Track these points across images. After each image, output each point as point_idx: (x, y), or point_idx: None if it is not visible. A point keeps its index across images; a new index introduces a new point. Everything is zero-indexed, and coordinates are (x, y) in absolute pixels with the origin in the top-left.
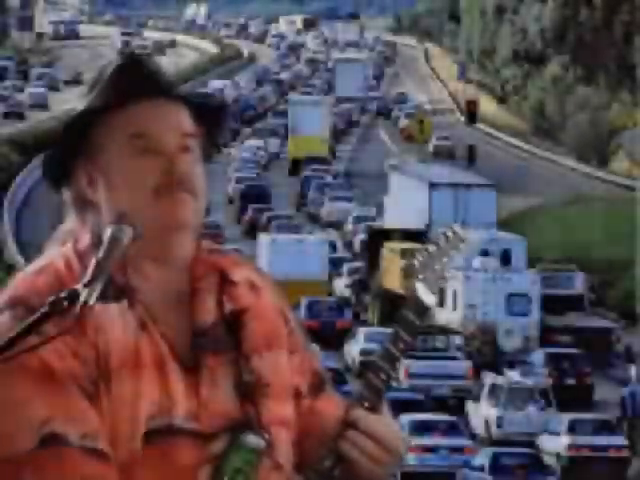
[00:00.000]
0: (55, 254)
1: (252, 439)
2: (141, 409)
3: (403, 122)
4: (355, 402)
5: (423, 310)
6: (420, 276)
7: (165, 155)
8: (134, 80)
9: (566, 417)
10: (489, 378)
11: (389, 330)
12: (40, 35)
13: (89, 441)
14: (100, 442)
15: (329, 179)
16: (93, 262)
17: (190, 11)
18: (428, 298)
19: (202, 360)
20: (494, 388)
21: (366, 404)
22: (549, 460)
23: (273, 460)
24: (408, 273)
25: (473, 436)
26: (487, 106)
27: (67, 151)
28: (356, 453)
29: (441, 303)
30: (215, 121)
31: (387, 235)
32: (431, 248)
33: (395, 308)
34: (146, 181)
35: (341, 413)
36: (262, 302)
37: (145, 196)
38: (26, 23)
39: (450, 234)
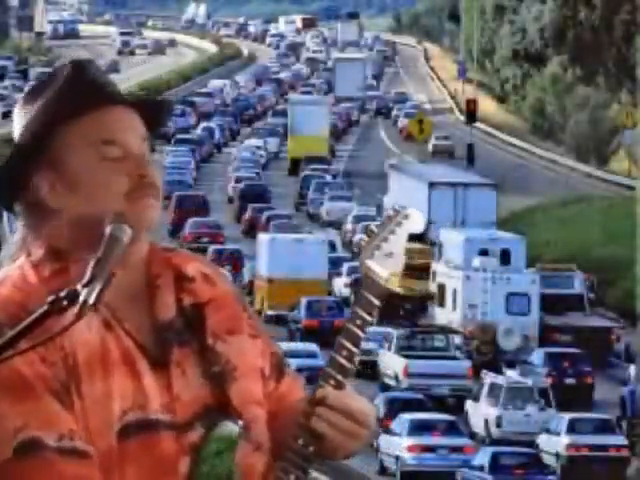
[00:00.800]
0: (10, 267)
1: (227, 426)
2: (114, 405)
3: (402, 121)
4: (321, 382)
5: (379, 288)
6: (369, 254)
7: (134, 160)
8: (87, 88)
9: (566, 417)
10: (489, 378)
11: (389, 329)
12: (40, 35)
13: (66, 441)
14: (77, 441)
15: (328, 179)
16: (93, 261)
17: (190, 11)
18: (380, 272)
19: (169, 354)
20: (494, 387)
21: (332, 382)
22: (549, 460)
23: (252, 441)
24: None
25: (472, 435)
26: (487, 105)
27: (23, 166)
28: (329, 429)
29: (441, 303)
30: (158, 123)
31: None
32: (376, 228)
33: (394, 307)
34: (118, 185)
35: (304, 394)
36: (219, 291)
37: (116, 200)
38: (26, 23)
39: (392, 213)
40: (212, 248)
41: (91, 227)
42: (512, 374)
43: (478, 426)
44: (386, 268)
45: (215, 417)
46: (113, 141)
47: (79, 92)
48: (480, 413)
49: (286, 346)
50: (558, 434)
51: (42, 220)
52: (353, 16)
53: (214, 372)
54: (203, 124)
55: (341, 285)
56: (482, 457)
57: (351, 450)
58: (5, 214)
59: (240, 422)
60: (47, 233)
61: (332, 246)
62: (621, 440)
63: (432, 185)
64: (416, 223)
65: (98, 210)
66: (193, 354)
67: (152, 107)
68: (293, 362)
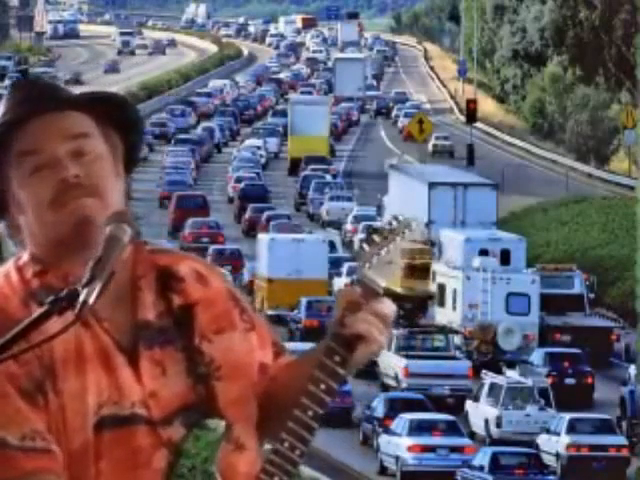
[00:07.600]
0: None
1: (209, 425)
2: (89, 400)
3: (402, 121)
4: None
5: (374, 293)
6: (368, 264)
7: (55, 166)
8: (25, 99)
9: (566, 417)
10: (489, 378)
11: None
12: (40, 35)
13: (28, 441)
14: (39, 441)
15: (328, 179)
16: (92, 261)
17: (190, 11)
18: (379, 281)
19: (148, 352)
20: (494, 387)
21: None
22: (549, 460)
23: (232, 441)
24: (356, 260)
25: (472, 435)
26: (487, 105)
27: None
28: (366, 325)
29: (441, 303)
30: (113, 110)
31: None
32: (376, 237)
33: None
34: (43, 196)
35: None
36: (211, 290)
37: (45, 212)
38: (26, 23)
39: (394, 222)
40: (212, 248)
41: (51, 239)
42: (512, 374)
43: (478, 426)
44: (384, 277)
45: (197, 416)
46: (34, 150)
47: (17, 105)
48: (480, 413)
49: (286, 346)
50: (558, 434)
51: (20, 236)
52: (353, 16)
53: (199, 372)
54: (203, 124)
55: (341, 285)
56: (482, 457)
57: (374, 351)
58: None
59: (222, 422)
60: (28, 243)
61: (332, 246)
62: (621, 440)
63: (432, 185)
64: (416, 233)
65: (36, 227)
66: (177, 354)
67: (93, 101)
68: None
